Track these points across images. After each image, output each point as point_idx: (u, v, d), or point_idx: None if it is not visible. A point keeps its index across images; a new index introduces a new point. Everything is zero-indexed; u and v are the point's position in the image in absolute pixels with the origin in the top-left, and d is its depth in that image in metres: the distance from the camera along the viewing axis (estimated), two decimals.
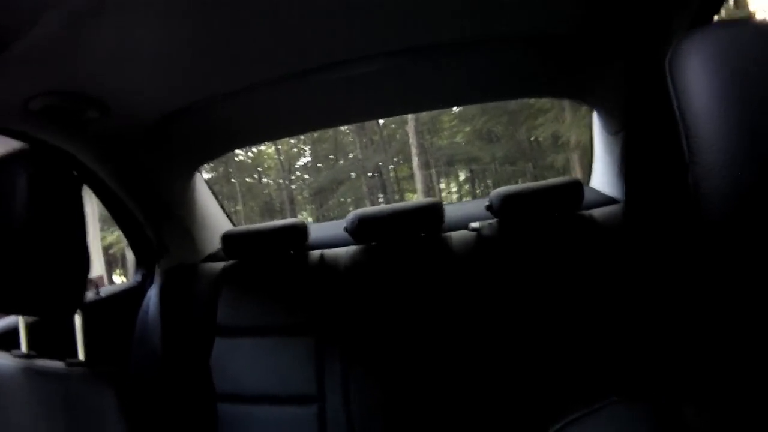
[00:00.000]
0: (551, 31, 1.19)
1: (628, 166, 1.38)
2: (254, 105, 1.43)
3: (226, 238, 1.60)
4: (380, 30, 1.11)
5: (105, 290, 1.52)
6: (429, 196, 13.32)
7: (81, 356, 0.93)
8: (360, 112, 1.80)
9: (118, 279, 13.20)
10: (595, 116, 1.64)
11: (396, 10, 1.03)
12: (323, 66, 1.24)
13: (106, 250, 11.64)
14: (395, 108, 1.96)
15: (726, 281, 0.42)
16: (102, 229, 9.90)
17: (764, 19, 0.44)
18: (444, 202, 1.62)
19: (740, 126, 0.38)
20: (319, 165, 17.22)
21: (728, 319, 0.43)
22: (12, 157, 0.72)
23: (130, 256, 1.76)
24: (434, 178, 14.83)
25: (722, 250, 0.40)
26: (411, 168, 13.98)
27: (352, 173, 16.38)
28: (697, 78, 0.40)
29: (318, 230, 1.77)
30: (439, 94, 1.64)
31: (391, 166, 16.09)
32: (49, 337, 0.98)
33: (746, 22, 0.43)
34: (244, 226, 1.70)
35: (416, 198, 14.09)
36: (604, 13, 1.11)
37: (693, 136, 0.40)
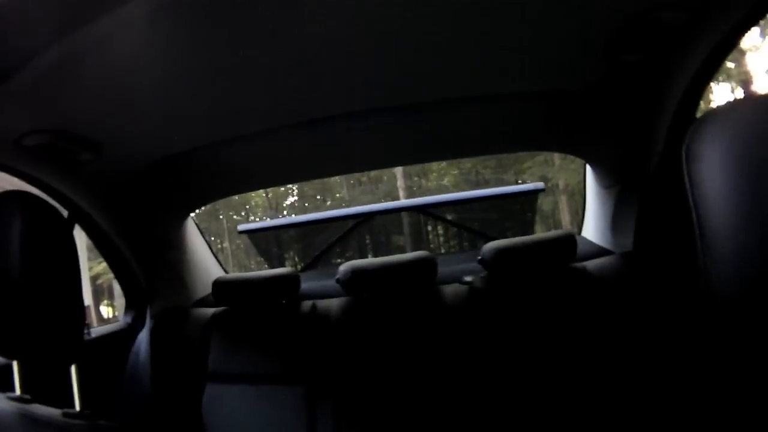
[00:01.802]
0: (561, 88, 1.23)
1: (639, 223, 1.38)
2: (249, 153, 1.46)
3: (218, 285, 1.58)
4: (383, 85, 1.14)
5: (95, 331, 1.51)
6: (416, 239, 13.24)
7: (76, 401, 0.93)
8: (358, 162, 1.82)
9: (105, 310, 12.90)
10: (588, 169, 1.67)
11: (402, 67, 1.06)
12: (325, 118, 1.26)
13: (93, 280, 11.35)
14: (393, 159, 1.94)
15: (729, 356, 0.43)
16: (89, 259, 9.67)
17: None
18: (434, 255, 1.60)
19: (751, 218, 0.40)
20: (306, 204, 17.23)
21: (728, 391, 0.45)
22: (3, 197, 0.70)
23: (117, 288, 1.74)
24: (422, 219, 14.81)
25: (728, 329, 0.42)
26: None
27: None
28: (711, 171, 0.42)
29: (309, 279, 1.77)
30: (441, 148, 1.66)
31: None
32: (42, 378, 0.96)
33: (761, 100, 0.45)
34: (235, 274, 1.69)
35: (404, 239, 13.99)
36: (613, 73, 1.14)
37: (705, 224, 0.42)
